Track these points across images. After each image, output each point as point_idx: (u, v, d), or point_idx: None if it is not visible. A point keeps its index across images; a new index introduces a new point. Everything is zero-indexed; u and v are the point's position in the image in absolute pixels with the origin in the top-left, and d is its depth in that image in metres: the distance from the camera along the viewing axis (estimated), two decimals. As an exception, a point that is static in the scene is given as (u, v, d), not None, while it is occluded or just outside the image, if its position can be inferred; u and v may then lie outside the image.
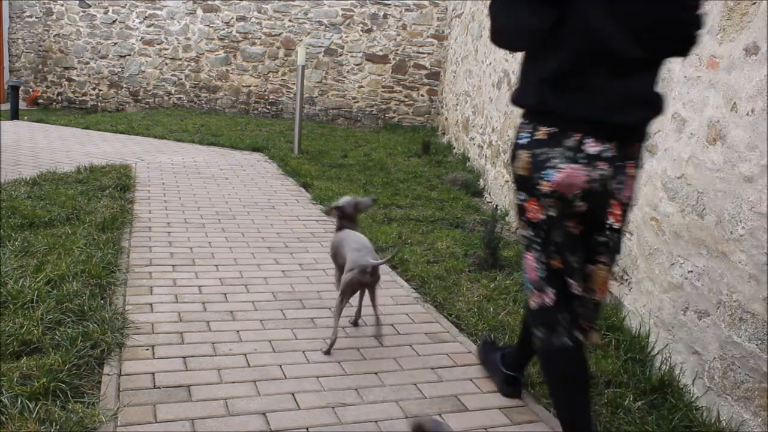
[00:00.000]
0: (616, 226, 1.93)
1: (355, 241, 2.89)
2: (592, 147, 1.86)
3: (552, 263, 1.99)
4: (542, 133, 1.90)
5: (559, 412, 2.08)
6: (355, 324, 3.06)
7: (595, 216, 1.92)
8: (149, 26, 11.87)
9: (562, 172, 1.87)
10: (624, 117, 1.86)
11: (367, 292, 2.93)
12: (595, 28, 1.80)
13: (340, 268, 2.97)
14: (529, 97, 1.96)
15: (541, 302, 2.02)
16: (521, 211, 2.03)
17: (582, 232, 1.95)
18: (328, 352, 2.77)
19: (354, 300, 3.05)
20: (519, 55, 2.07)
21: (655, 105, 1.94)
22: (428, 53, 11.27)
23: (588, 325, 2.03)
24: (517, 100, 2.00)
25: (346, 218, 3.09)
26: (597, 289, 2.00)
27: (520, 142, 1.96)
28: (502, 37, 1.91)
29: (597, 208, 1.90)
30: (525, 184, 1.97)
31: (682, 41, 1.90)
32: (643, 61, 1.88)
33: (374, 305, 2.89)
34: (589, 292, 1.99)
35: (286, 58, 11.56)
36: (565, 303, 1.99)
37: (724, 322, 2.38)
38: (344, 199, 3.14)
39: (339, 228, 3.09)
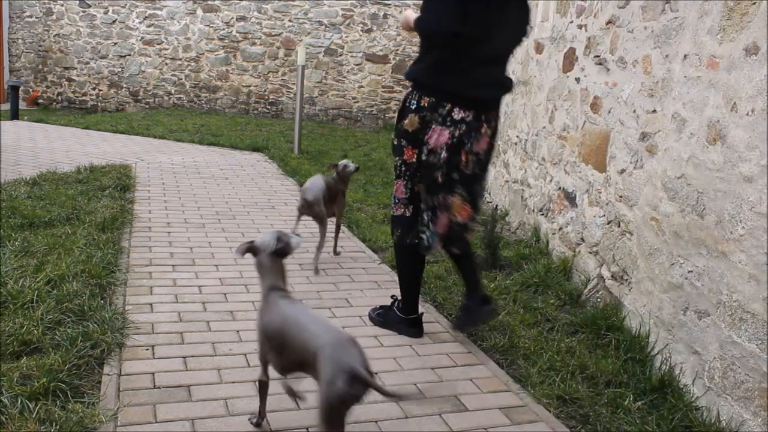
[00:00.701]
0: (462, 167, 2.71)
1: (309, 181, 3.90)
2: (457, 114, 2.66)
3: (415, 189, 2.85)
4: (425, 101, 2.70)
5: (402, 287, 3.02)
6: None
7: (451, 162, 2.69)
8: (149, 26, 11.87)
9: (436, 131, 2.68)
10: (479, 93, 2.69)
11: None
12: (473, 35, 2.56)
13: None
14: (418, 74, 2.74)
15: (402, 213, 2.92)
16: (399, 152, 2.83)
17: (444, 178, 2.72)
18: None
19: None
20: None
21: (505, 85, 2.82)
22: (428, 53, 11.26)
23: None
24: (409, 75, 2.79)
25: (337, 173, 4.11)
26: (457, 214, 2.76)
27: (411, 107, 2.74)
28: (433, 35, 2.64)
29: (453, 156, 2.69)
30: (408, 136, 2.77)
31: (518, 44, 2.83)
32: (498, 57, 2.76)
33: (336, 235, 4.07)
34: (452, 216, 2.77)
35: (286, 58, 11.56)
36: (417, 217, 2.88)
37: (724, 322, 2.38)
38: (342, 161, 4.15)
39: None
